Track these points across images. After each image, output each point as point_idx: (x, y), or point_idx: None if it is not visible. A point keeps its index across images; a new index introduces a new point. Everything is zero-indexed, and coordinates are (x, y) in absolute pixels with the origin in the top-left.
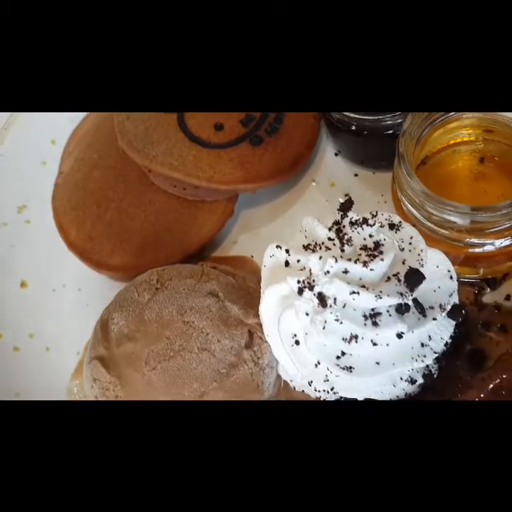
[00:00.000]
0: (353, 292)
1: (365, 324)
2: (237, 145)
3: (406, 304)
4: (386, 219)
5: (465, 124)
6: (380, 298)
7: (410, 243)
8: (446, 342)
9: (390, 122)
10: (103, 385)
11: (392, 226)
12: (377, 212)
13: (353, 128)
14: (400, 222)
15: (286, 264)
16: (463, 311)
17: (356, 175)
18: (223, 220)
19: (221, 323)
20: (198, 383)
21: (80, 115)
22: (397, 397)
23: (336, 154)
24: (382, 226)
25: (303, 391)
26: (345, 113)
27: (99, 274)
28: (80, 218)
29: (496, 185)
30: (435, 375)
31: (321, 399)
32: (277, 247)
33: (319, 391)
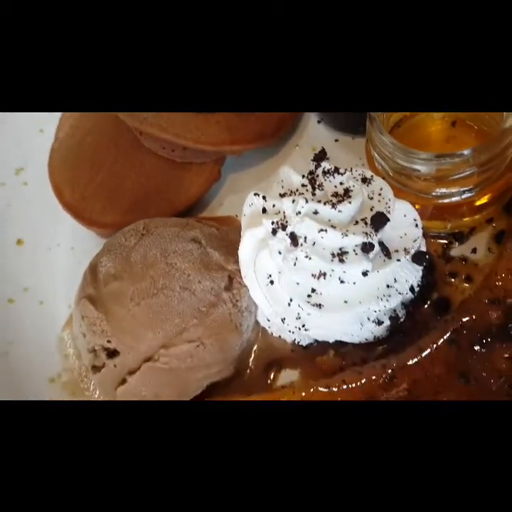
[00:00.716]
0: (322, 230)
1: (332, 260)
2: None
3: (370, 243)
4: (359, 174)
5: None
6: (346, 236)
7: (379, 194)
8: (412, 286)
9: None
10: (91, 321)
11: (364, 180)
12: (351, 168)
13: None
14: (372, 176)
15: (264, 210)
16: (427, 257)
17: (337, 140)
18: (210, 182)
19: (202, 266)
20: (180, 319)
21: None
22: (366, 339)
23: (319, 121)
24: (355, 179)
25: (279, 336)
26: None
27: (91, 234)
28: (74, 180)
29: (465, 147)
30: (402, 319)
31: (295, 341)
32: (255, 194)
33: (292, 332)
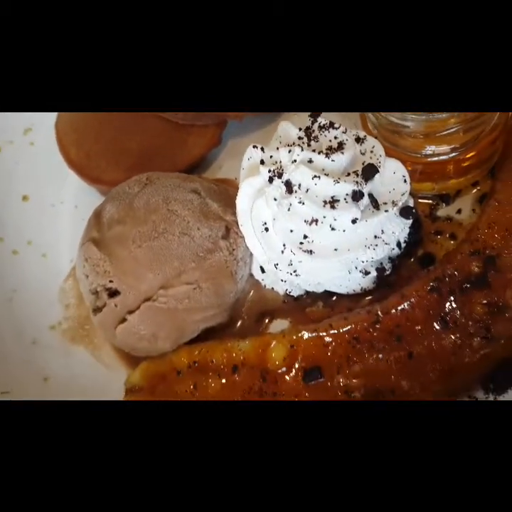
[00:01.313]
0: (315, 177)
1: (324, 207)
2: None
3: (360, 192)
4: (353, 134)
5: None
6: (338, 183)
7: (372, 151)
8: (399, 242)
9: None
10: (94, 262)
11: (358, 139)
12: (346, 128)
13: None
14: (365, 136)
15: (262, 162)
16: (413, 211)
17: None
18: (211, 145)
19: (201, 215)
20: (178, 262)
21: None
22: (354, 290)
23: None
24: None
25: (272, 288)
26: None
27: (94, 193)
28: (79, 139)
29: None
30: (388, 272)
31: (287, 291)
32: (254, 147)
33: (284, 281)
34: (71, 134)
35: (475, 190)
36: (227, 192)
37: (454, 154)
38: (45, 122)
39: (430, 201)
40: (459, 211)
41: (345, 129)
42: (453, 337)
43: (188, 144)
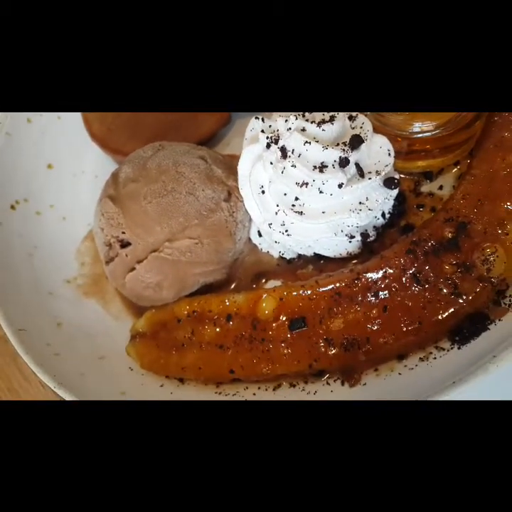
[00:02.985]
0: (306, 143)
1: (313, 170)
2: None
3: (346, 158)
4: (347, 113)
5: None
6: (326, 149)
7: (361, 127)
8: (384, 212)
9: None
10: (109, 216)
11: (350, 117)
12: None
13: None
14: (357, 114)
15: (262, 131)
16: (396, 181)
17: None
18: (221, 123)
19: (206, 178)
20: (183, 218)
21: None
22: (340, 254)
23: None
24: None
25: (267, 252)
26: None
27: (113, 165)
28: (102, 114)
29: None
30: (372, 238)
31: (281, 254)
32: (256, 118)
33: (278, 242)
34: None
35: (455, 169)
36: (231, 162)
37: (437, 131)
38: None
39: (415, 178)
40: (440, 187)
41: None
42: (425, 293)
43: (198, 120)
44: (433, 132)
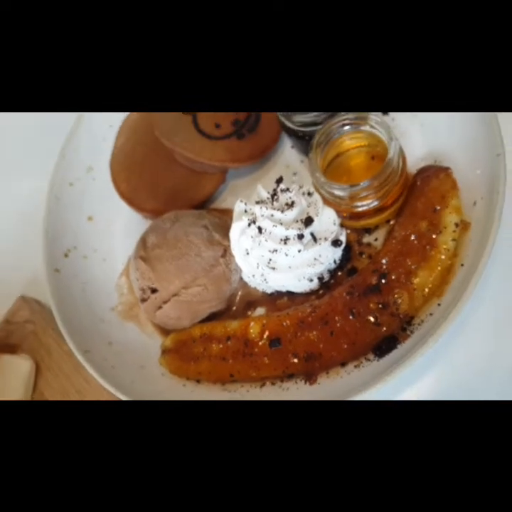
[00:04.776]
0: (274, 226)
1: (280, 243)
2: (228, 138)
3: (302, 234)
4: (306, 189)
5: (359, 136)
6: (288, 230)
7: (315, 204)
8: (335, 260)
9: None
10: (142, 271)
11: (309, 193)
12: (303, 185)
13: (300, 134)
14: (312, 191)
15: (245, 211)
16: (339, 243)
17: (302, 161)
18: (218, 185)
19: (208, 242)
20: (194, 273)
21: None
22: (305, 290)
23: (292, 147)
24: (303, 194)
25: (255, 288)
26: (292, 125)
27: (139, 216)
28: (128, 176)
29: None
30: (326, 279)
31: (263, 290)
32: (241, 201)
33: (260, 284)
34: (122, 173)
35: (388, 225)
36: (226, 224)
37: (373, 205)
38: (102, 163)
39: (358, 232)
40: (376, 239)
41: (299, 188)
42: (357, 323)
43: (201, 184)
44: (370, 206)
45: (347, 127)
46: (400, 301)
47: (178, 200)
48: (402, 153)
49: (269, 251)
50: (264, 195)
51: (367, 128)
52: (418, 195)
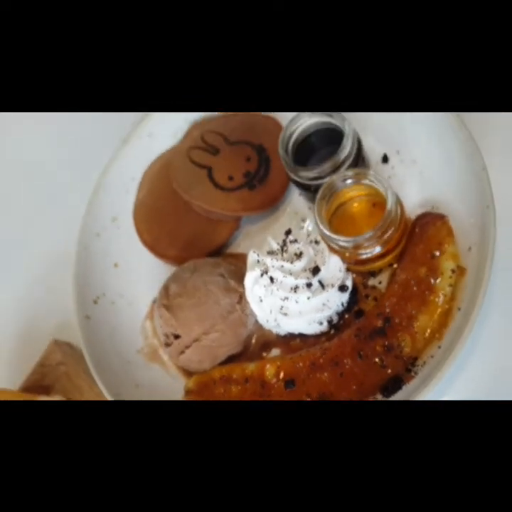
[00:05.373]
0: (284, 276)
1: (290, 291)
2: (240, 189)
3: (310, 283)
4: (314, 238)
5: (360, 188)
6: (296, 279)
7: (322, 252)
8: (342, 303)
9: None
10: (165, 319)
11: (316, 242)
12: (310, 234)
13: (306, 186)
14: (319, 241)
15: (258, 261)
16: (346, 288)
17: (309, 208)
18: (232, 231)
19: (225, 290)
20: (212, 319)
21: (149, 162)
22: (315, 333)
23: (300, 195)
24: (310, 242)
25: (269, 330)
26: (298, 179)
27: (160, 262)
28: (149, 227)
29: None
30: (335, 321)
31: (277, 333)
32: (254, 252)
33: (274, 327)
34: (144, 223)
35: (391, 268)
36: (241, 271)
37: (376, 251)
38: (125, 213)
39: (364, 275)
40: (380, 282)
41: (307, 236)
42: (365, 365)
43: (217, 231)
44: (373, 253)
45: (349, 181)
46: (403, 343)
47: (197, 246)
48: (399, 202)
49: (281, 299)
50: (275, 246)
51: (366, 181)
52: (417, 242)
